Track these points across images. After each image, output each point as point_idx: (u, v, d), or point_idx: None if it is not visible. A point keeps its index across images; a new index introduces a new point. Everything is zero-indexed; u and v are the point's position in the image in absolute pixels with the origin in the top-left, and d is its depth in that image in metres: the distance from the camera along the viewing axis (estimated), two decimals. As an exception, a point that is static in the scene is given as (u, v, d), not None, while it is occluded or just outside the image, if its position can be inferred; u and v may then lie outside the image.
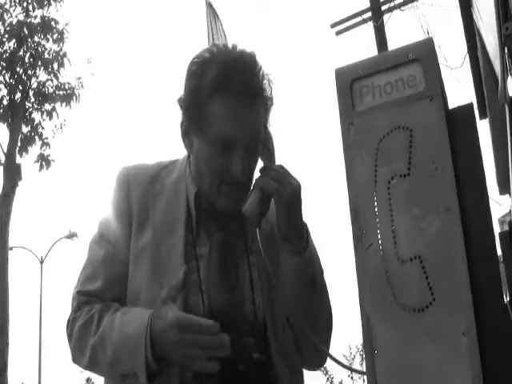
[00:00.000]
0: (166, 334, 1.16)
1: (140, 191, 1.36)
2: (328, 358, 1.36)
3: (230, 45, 1.29)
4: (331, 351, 1.35)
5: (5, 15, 10.27)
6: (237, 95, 1.23)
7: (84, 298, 1.33)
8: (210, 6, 6.06)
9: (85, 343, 1.28)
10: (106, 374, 1.34)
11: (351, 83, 1.14)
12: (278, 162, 1.32)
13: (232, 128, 1.24)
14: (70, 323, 1.33)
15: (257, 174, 1.31)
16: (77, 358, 1.33)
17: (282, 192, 1.23)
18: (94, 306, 1.30)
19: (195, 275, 1.29)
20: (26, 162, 10.61)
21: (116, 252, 1.33)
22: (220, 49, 1.28)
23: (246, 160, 1.27)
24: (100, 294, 1.32)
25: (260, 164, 1.32)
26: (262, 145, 1.30)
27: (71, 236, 19.89)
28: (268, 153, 1.30)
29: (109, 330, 1.25)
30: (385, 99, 1.11)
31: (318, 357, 1.39)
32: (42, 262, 19.87)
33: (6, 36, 10.22)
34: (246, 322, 1.29)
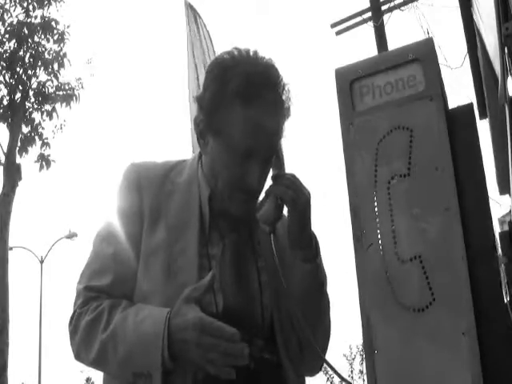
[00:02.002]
0: (186, 332, 1.14)
1: (152, 189, 1.34)
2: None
3: (251, 51, 1.30)
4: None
5: (5, 15, 10.27)
6: (260, 108, 1.25)
7: (91, 294, 1.30)
8: (190, 7, 6.02)
9: (92, 339, 1.25)
10: (113, 373, 1.29)
11: (351, 83, 1.14)
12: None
13: (252, 140, 1.25)
14: (75, 319, 1.29)
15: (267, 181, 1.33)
16: (81, 355, 1.29)
17: (297, 201, 1.26)
18: (103, 302, 1.27)
19: (207, 274, 1.29)
20: (26, 162, 10.59)
21: (126, 249, 1.31)
22: (243, 55, 1.29)
23: (263, 170, 1.29)
24: (108, 290, 1.29)
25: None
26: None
27: (71, 236, 19.87)
28: (278, 161, 1.32)
29: (121, 326, 1.22)
30: (385, 99, 1.11)
31: (316, 362, 1.40)
32: (42, 261, 19.86)
33: (7, 36, 10.21)
34: (256, 323, 1.30)
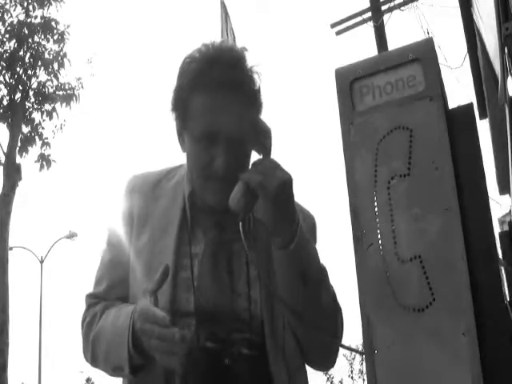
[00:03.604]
0: (137, 323, 1.19)
1: (141, 197, 1.40)
2: (337, 356, 1.39)
3: (216, 42, 1.29)
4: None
5: (5, 15, 10.26)
6: (214, 89, 1.24)
7: (92, 300, 1.41)
8: (223, 6, 6.06)
9: (88, 339, 1.36)
10: (104, 370, 1.38)
11: (351, 83, 1.14)
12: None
13: (211, 121, 1.24)
14: (80, 324, 1.41)
15: None
16: (85, 355, 1.40)
17: (266, 185, 1.16)
18: (98, 305, 1.38)
19: (187, 273, 1.30)
20: (26, 162, 10.59)
21: (119, 255, 1.39)
22: (206, 47, 1.29)
23: (231, 154, 1.24)
24: (105, 296, 1.40)
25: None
26: (257, 140, 1.26)
27: (71, 236, 19.89)
28: (263, 148, 1.25)
29: (103, 324, 1.33)
30: (385, 99, 1.11)
31: (322, 355, 1.38)
32: (42, 261, 19.85)
33: (7, 36, 10.21)
34: (238, 318, 1.29)
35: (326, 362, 1.41)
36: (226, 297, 1.30)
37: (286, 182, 1.18)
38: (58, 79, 10.57)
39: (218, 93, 1.23)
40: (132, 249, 1.37)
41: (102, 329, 1.32)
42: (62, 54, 10.59)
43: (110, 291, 1.39)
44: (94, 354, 1.34)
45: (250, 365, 1.27)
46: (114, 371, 1.33)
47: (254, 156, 1.30)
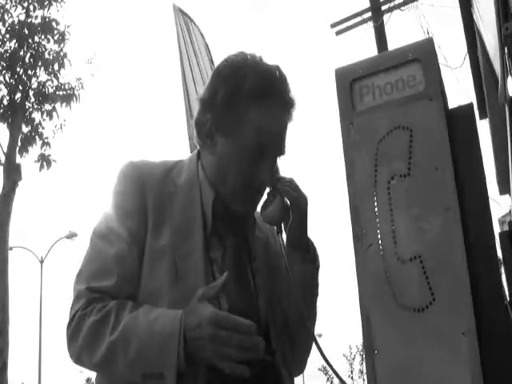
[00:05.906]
0: (201, 329, 1.13)
1: (154, 188, 1.32)
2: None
3: (256, 55, 1.34)
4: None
5: (5, 15, 10.26)
6: (275, 106, 1.30)
7: (94, 295, 1.25)
8: (179, 11, 5.95)
9: (99, 340, 1.20)
10: (120, 375, 1.23)
11: (351, 83, 1.14)
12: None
13: (267, 137, 1.29)
14: (76, 320, 1.24)
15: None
16: (83, 357, 1.24)
17: (299, 201, 1.32)
18: (109, 303, 1.23)
19: (210, 279, 1.27)
20: (26, 162, 10.58)
21: (130, 249, 1.27)
22: (253, 56, 1.34)
23: (272, 168, 1.33)
24: (113, 292, 1.25)
25: None
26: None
27: (71, 236, 19.89)
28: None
29: (132, 326, 1.19)
30: (385, 99, 1.11)
31: (305, 359, 1.45)
32: (42, 262, 19.85)
33: (7, 36, 10.21)
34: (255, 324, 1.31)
35: (303, 367, 1.47)
36: (244, 303, 1.32)
37: (307, 201, 1.34)
38: (58, 79, 10.57)
39: (276, 111, 1.30)
40: (148, 246, 1.28)
41: (132, 331, 1.18)
42: (62, 54, 10.59)
43: (119, 288, 1.25)
44: (111, 358, 1.19)
45: (269, 370, 1.30)
46: (143, 379, 1.17)
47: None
